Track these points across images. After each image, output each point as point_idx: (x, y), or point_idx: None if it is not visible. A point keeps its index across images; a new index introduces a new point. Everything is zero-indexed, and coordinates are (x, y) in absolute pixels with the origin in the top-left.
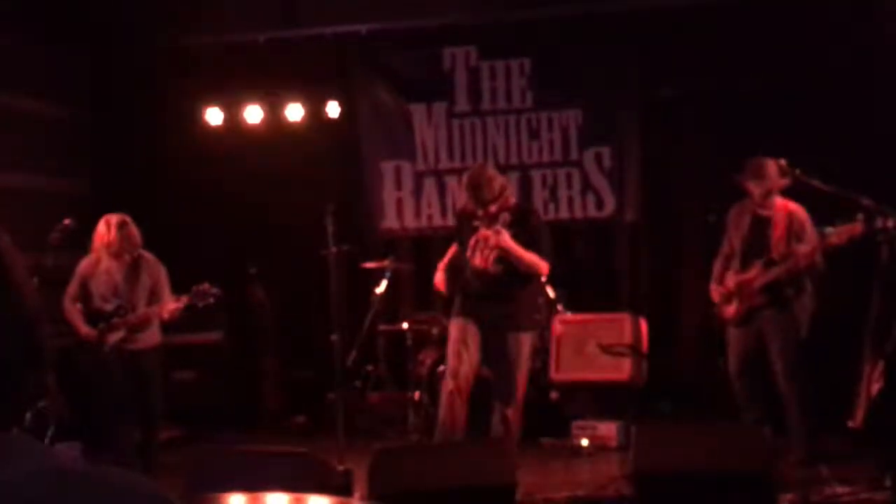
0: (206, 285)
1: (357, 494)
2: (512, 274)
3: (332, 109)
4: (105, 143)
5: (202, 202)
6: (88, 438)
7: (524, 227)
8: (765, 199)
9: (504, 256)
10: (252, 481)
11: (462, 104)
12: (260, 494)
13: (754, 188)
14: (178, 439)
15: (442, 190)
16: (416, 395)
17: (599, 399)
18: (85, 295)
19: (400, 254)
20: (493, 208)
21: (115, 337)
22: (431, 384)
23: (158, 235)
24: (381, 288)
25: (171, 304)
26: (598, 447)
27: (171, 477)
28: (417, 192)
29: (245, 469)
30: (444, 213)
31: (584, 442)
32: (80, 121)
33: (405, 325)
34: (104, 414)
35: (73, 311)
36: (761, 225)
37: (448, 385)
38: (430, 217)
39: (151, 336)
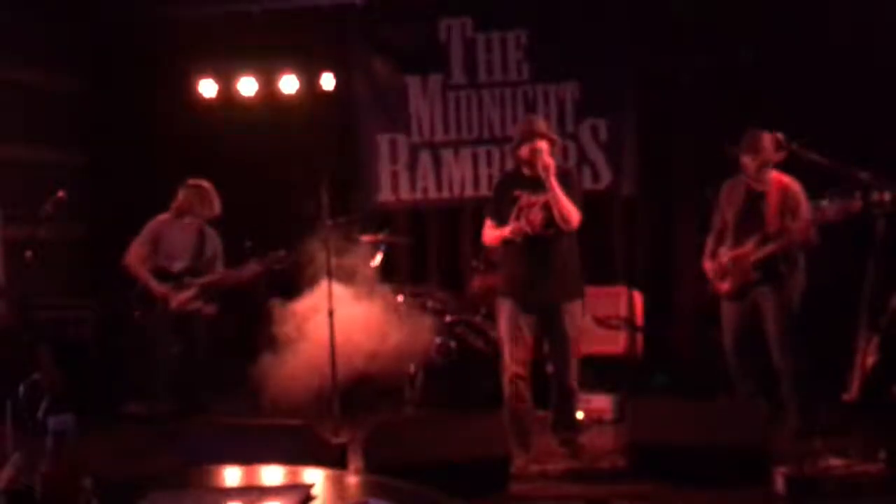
0: (281, 252)
1: (352, 467)
2: (560, 237)
3: (327, 81)
4: (103, 114)
5: (197, 174)
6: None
7: (564, 183)
8: (759, 173)
9: (550, 217)
10: (248, 454)
11: (458, 76)
12: (255, 467)
13: (749, 161)
14: (174, 412)
15: (437, 163)
16: (412, 368)
17: (595, 372)
18: (150, 253)
19: (395, 227)
20: (547, 157)
21: (185, 296)
22: (426, 357)
23: (155, 207)
24: (376, 261)
25: (253, 267)
26: (594, 420)
27: (166, 450)
28: (412, 164)
29: (241, 442)
30: (439, 186)
31: (580, 415)
32: (78, 92)
33: (400, 299)
34: (147, 374)
35: (142, 269)
36: (755, 200)
37: (510, 369)
38: (425, 190)
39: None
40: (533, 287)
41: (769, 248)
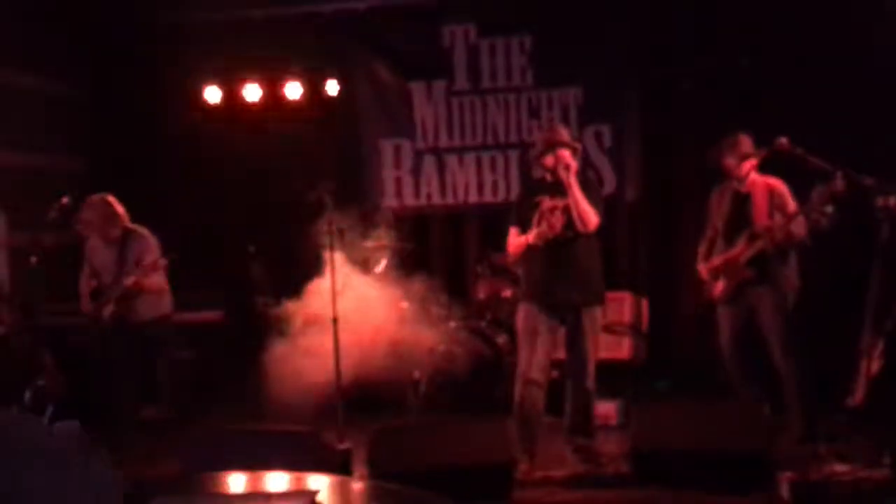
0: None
1: (356, 473)
2: (579, 239)
3: (331, 87)
4: (105, 120)
5: (201, 180)
6: (87, 416)
7: (584, 187)
8: (739, 170)
9: (570, 220)
10: (252, 460)
11: (461, 82)
12: (259, 473)
13: (730, 161)
14: (176, 418)
15: (441, 168)
16: (416, 373)
17: (599, 378)
18: (91, 274)
19: (399, 232)
20: (572, 163)
21: (107, 310)
22: (431, 363)
23: (157, 213)
24: (380, 267)
25: (133, 272)
26: (598, 426)
27: (170, 456)
28: (417, 170)
29: (245, 448)
30: (443, 192)
31: None
32: (80, 98)
33: (404, 305)
34: (103, 389)
35: (84, 289)
36: (742, 202)
37: (522, 376)
38: (429, 195)
39: (154, 307)
40: (554, 289)
41: (758, 244)
